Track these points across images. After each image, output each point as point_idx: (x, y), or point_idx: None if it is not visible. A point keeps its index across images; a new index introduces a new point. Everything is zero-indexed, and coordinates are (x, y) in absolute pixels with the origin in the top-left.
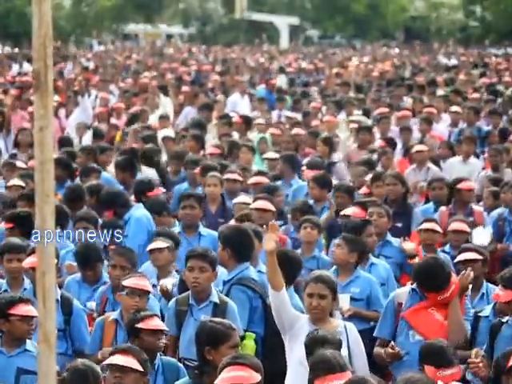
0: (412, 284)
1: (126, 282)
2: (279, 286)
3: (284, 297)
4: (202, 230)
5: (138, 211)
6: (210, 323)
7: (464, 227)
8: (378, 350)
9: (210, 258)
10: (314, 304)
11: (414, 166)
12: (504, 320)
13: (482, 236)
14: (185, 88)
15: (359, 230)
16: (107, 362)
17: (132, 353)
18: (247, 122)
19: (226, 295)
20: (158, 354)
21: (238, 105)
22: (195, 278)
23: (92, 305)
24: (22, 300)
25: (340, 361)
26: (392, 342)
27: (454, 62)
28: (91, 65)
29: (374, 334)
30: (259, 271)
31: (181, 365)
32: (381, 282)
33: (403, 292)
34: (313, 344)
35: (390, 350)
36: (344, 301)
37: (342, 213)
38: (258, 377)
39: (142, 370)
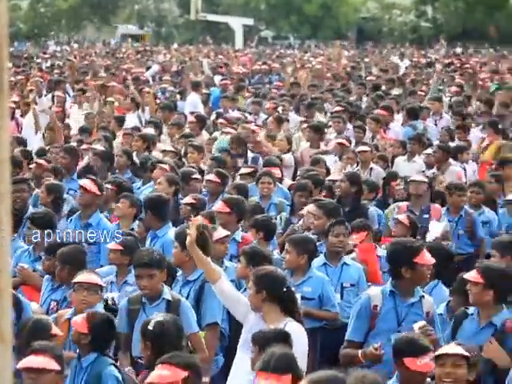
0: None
1: (75, 279)
2: (212, 278)
3: (221, 288)
4: (158, 231)
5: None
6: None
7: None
8: (348, 351)
9: (156, 263)
10: None
11: (358, 167)
12: (469, 312)
13: (435, 229)
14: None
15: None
16: (20, 365)
17: (47, 351)
18: (201, 122)
19: (200, 292)
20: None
21: (199, 104)
22: (145, 285)
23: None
24: None
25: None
26: (379, 343)
27: (406, 62)
28: (48, 65)
29: (347, 338)
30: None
31: (109, 373)
32: (351, 283)
33: (377, 294)
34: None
35: (374, 351)
36: None
37: (300, 212)
38: (181, 374)
39: (57, 368)
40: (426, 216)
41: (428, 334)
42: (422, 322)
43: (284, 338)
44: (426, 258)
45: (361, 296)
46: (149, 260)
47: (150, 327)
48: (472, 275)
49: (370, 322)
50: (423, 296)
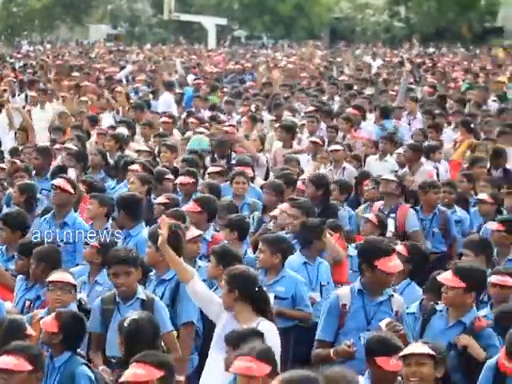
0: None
1: (49, 278)
2: (184, 278)
3: (193, 288)
4: (131, 230)
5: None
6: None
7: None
8: (320, 351)
9: (132, 260)
10: None
11: (330, 166)
12: (438, 308)
13: (390, 227)
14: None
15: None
16: None
17: (20, 352)
18: (173, 121)
19: (175, 292)
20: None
21: (172, 104)
22: (121, 283)
23: None
24: None
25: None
26: (351, 340)
27: (378, 62)
28: (21, 64)
29: (317, 337)
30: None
31: (81, 373)
32: (327, 281)
33: (346, 293)
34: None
35: (347, 348)
36: None
37: (271, 214)
38: (156, 374)
39: (29, 368)
40: (393, 215)
41: (395, 330)
42: (389, 319)
43: (257, 337)
44: (389, 265)
45: (330, 295)
46: (125, 257)
47: (126, 324)
48: (449, 277)
49: (339, 321)
50: (392, 295)
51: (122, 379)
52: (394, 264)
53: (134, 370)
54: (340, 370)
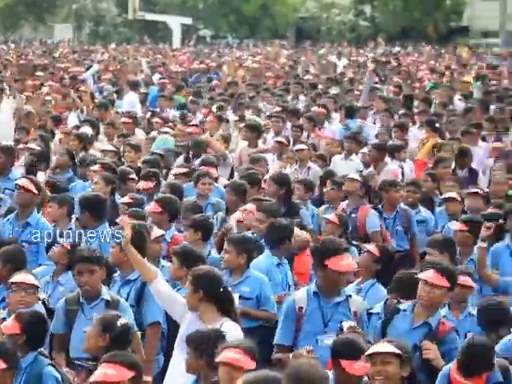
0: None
1: (12, 279)
2: (148, 278)
3: (157, 288)
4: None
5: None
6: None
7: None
8: (279, 355)
9: (96, 259)
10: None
11: (296, 166)
12: (402, 308)
13: None
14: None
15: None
16: None
17: None
18: (133, 121)
19: (141, 292)
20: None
21: (136, 104)
22: (85, 281)
23: None
24: None
25: None
26: (310, 346)
27: (344, 61)
28: None
29: (275, 342)
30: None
31: (48, 373)
32: (289, 283)
33: (302, 296)
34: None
35: (306, 354)
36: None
37: (234, 216)
38: (127, 374)
39: (4, 366)
40: (354, 215)
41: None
42: (350, 323)
43: (218, 338)
44: (340, 264)
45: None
46: (89, 255)
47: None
48: (434, 276)
49: (296, 325)
50: (350, 295)
51: (92, 379)
52: (345, 263)
53: (104, 370)
54: (313, 364)
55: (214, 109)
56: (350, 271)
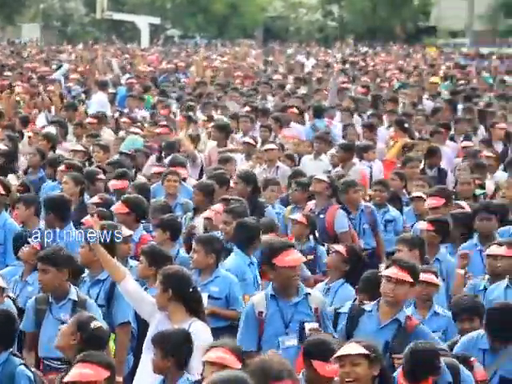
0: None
1: None
2: (117, 278)
3: (126, 287)
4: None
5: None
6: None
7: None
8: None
9: (53, 260)
10: None
11: (264, 166)
12: (367, 308)
13: None
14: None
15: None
16: None
17: None
18: (98, 121)
19: (111, 292)
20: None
21: (105, 104)
22: (40, 279)
23: None
24: None
25: None
26: (274, 350)
27: (312, 61)
28: None
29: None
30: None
31: (21, 373)
32: (259, 283)
33: (261, 300)
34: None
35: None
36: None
37: (203, 215)
38: (103, 374)
39: None
40: (323, 216)
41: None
42: (313, 324)
43: (184, 338)
44: (287, 259)
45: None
46: (47, 255)
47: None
48: (398, 272)
49: (258, 329)
50: (309, 293)
51: (66, 379)
52: (291, 258)
53: (79, 370)
54: (276, 357)
55: (173, 109)
56: (299, 265)
